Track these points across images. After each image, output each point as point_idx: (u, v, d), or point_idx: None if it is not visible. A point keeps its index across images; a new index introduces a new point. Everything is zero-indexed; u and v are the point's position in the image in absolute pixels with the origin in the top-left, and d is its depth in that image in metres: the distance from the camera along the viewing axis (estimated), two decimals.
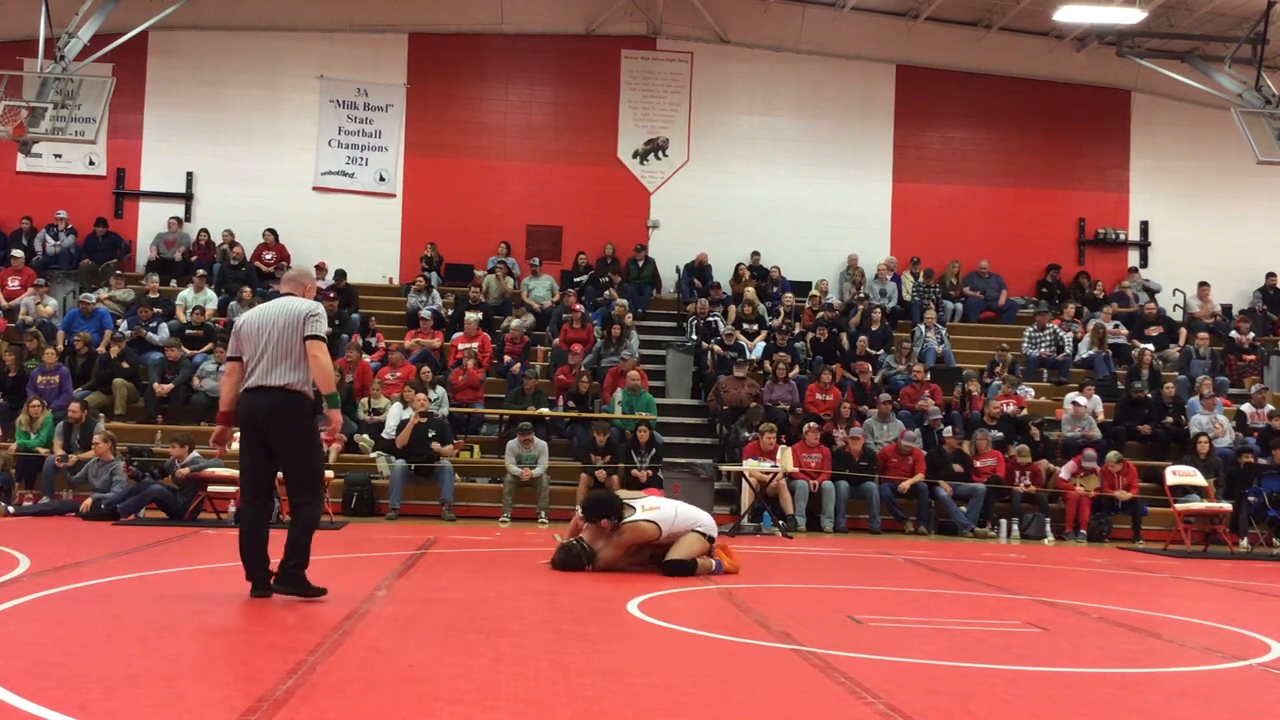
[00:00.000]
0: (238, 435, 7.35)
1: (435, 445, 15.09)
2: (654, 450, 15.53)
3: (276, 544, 7.16)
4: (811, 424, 15.84)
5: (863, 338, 18.82)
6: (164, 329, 17.60)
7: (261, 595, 7.10)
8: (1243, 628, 7.64)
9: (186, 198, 21.27)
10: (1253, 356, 19.65)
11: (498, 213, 21.48)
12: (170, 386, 16.30)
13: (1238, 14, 20.05)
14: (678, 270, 21.22)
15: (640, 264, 21.21)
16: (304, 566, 7.12)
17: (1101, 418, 17.20)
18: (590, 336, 18.53)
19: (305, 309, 7.17)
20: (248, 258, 20.26)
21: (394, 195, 21.61)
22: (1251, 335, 20.17)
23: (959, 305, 21.25)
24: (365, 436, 15.66)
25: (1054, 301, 21.55)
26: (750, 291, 19.90)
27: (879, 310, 19.70)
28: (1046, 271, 22.27)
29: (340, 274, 19.76)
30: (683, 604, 7.92)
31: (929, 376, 17.68)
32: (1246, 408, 17.69)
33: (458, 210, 21.44)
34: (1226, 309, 21.73)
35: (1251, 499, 15.07)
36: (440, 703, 4.65)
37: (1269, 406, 17.57)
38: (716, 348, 18.43)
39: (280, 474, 7.35)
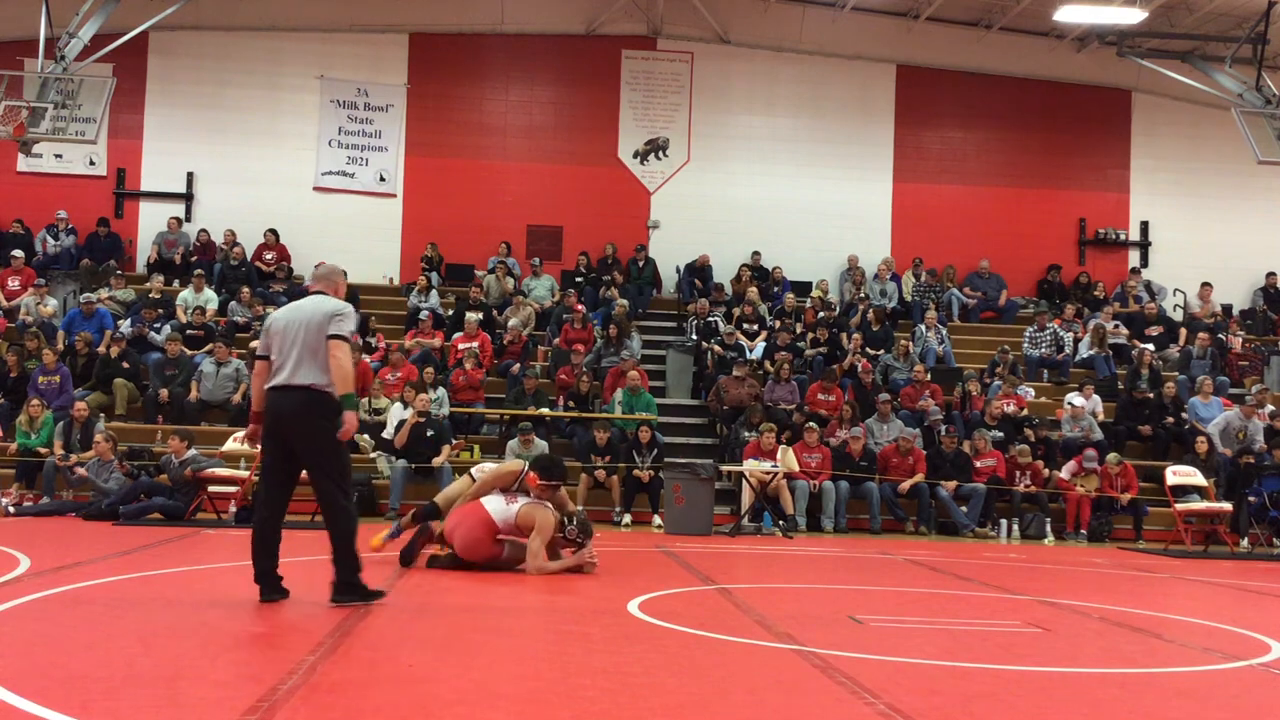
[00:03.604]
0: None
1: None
2: (655, 450, 15.52)
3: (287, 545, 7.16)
4: (811, 424, 15.83)
5: (856, 336, 18.82)
6: (165, 329, 17.58)
7: (270, 599, 6.97)
8: (1243, 628, 7.64)
9: (187, 198, 21.26)
10: (1245, 361, 19.59)
11: (498, 213, 21.47)
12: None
13: (1238, 14, 20.06)
14: (678, 270, 21.21)
15: (640, 264, 21.20)
16: (357, 572, 6.98)
17: (1101, 418, 17.19)
18: (591, 336, 18.52)
19: (332, 308, 7.07)
20: (248, 258, 20.27)
21: (394, 195, 21.60)
22: (1241, 338, 20.14)
23: (956, 295, 21.23)
24: (365, 437, 15.64)
25: (1054, 301, 21.54)
26: (753, 291, 19.89)
27: (877, 310, 19.68)
28: (1047, 271, 22.25)
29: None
30: (683, 604, 7.91)
31: (929, 376, 17.67)
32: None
33: (458, 210, 21.43)
34: (1226, 309, 21.72)
35: (1252, 499, 15.04)
36: (440, 703, 4.65)
37: (1269, 407, 17.55)
38: (716, 348, 18.41)
39: (306, 476, 7.18)
